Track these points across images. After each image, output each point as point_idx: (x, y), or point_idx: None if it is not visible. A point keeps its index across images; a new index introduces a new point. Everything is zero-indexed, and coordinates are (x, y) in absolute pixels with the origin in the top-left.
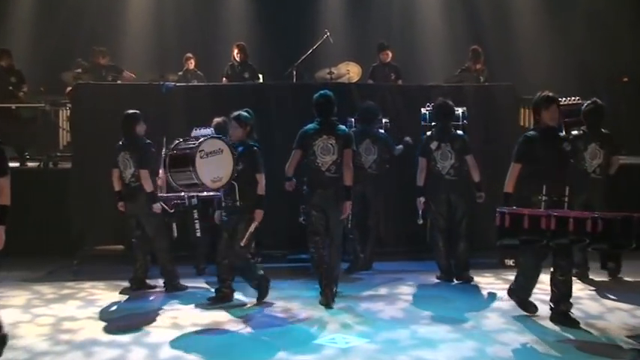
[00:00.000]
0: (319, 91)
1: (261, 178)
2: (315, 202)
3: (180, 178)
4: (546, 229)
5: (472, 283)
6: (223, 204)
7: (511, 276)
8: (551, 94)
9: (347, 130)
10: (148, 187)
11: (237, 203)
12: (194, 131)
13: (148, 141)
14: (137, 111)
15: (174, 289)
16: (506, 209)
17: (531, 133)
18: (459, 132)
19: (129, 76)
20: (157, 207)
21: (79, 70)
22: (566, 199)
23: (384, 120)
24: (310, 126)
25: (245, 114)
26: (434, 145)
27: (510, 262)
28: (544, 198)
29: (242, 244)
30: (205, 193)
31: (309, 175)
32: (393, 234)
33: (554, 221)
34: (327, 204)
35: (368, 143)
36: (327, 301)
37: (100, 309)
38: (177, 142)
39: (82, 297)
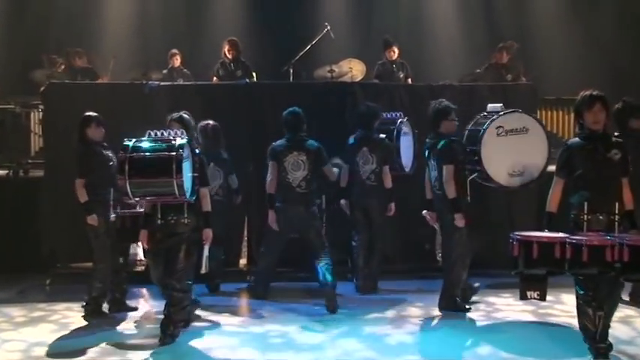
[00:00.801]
0: (289, 109)
1: (206, 193)
2: (285, 219)
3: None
4: (562, 259)
5: (487, 304)
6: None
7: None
8: (595, 92)
9: (317, 144)
10: (81, 197)
11: (185, 221)
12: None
13: (105, 144)
14: (92, 113)
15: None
16: (517, 235)
17: (572, 140)
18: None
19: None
20: (92, 219)
21: (60, 66)
22: (617, 217)
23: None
24: (279, 142)
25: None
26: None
27: (534, 295)
28: (586, 217)
29: (202, 271)
30: None
31: (280, 190)
32: (398, 250)
33: (571, 249)
34: (298, 220)
35: (365, 152)
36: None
37: (74, 334)
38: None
39: (55, 320)
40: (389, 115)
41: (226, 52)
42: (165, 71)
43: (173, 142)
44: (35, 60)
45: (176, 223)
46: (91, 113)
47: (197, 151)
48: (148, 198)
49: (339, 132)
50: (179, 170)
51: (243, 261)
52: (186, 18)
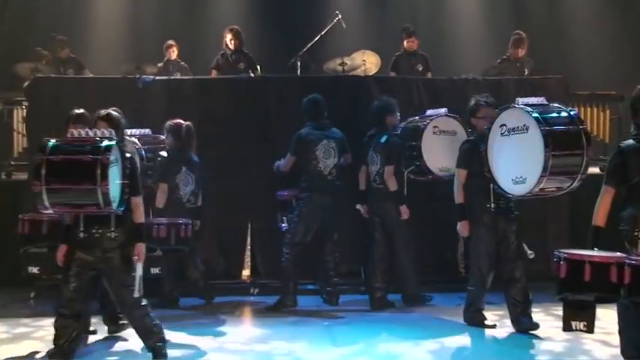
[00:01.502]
0: (309, 97)
1: (139, 202)
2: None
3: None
4: (618, 283)
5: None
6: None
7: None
8: None
9: (340, 131)
10: None
11: (112, 235)
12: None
13: None
14: (77, 111)
15: None
16: (564, 253)
17: (626, 143)
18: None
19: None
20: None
21: (46, 59)
22: None
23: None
24: (307, 130)
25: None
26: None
27: (580, 326)
28: None
29: (135, 294)
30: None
31: (309, 179)
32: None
33: (630, 272)
34: (325, 210)
35: (371, 151)
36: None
37: None
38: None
39: (41, 337)
40: (430, 112)
41: (228, 43)
42: (160, 64)
43: (99, 143)
44: (19, 52)
45: (101, 237)
46: (76, 110)
47: (128, 154)
48: (66, 208)
49: (351, 130)
50: (104, 176)
51: (246, 272)
52: (184, 6)
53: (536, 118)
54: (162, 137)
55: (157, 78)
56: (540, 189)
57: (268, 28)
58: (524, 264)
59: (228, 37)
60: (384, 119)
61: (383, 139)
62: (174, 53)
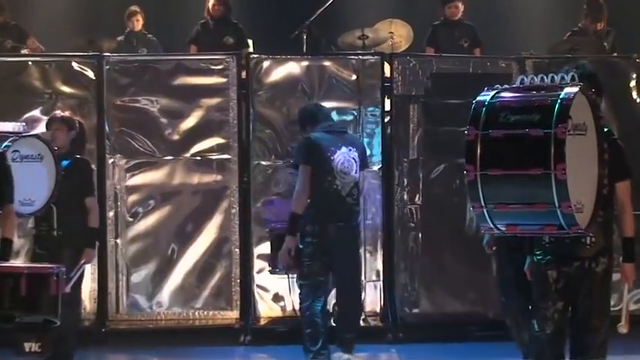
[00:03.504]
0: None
1: (94, 205)
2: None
3: None
4: None
5: None
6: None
7: None
8: None
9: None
10: None
11: (55, 233)
12: None
13: None
14: None
15: None
16: None
17: None
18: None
19: (35, 46)
20: None
21: None
22: None
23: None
24: (319, 134)
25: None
26: None
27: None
28: None
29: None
30: None
31: (321, 202)
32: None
33: None
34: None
35: None
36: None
37: None
38: None
39: None
40: None
41: (210, 9)
42: (121, 38)
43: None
44: None
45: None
46: None
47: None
48: None
49: None
50: None
51: (233, 314)
52: None
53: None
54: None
55: (118, 55)
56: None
57: None
58: None
59: (210, 2)
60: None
61: None
62: (138, 23)
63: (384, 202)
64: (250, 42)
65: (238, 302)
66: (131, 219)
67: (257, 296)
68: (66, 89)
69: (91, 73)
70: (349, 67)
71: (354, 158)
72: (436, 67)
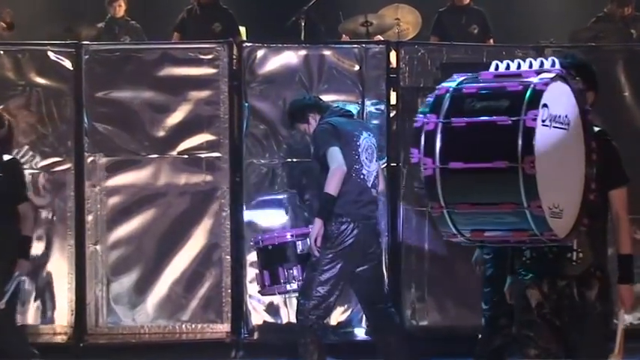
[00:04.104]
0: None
1: (28, 212)
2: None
3: None
4: None
5: None
6: None
7: None
8: None
9: None
10: None
11: None
12: None
13: None
14: None
15: None
16: None
17: None
18: None
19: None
20: None
21: None
22: None
23: None
24: (337, 119)
25: None
26: None
27: None
28: None
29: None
30: None
31: (348, 194)
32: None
33: None
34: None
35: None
36: None
37: None
38: None
39: None
40: None
41: None
42: (101, 25)
43: None
44: None
45: None
46: None
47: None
48: None
49: None
50: None
51: (224, 327)
52: None
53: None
54: None
55: (97, 44)
56: None
57: None
58: None
59: None
60: None
61: None
62: (121, 9)
63: (389, 203)
64: (242, 29)
65: (229, 314)
66: (112, 223)
67: (250, 307)
68: (41, 81)
69: (68, 64)
70: (351, 57)
71: (374, 144)
72: (446, 57)
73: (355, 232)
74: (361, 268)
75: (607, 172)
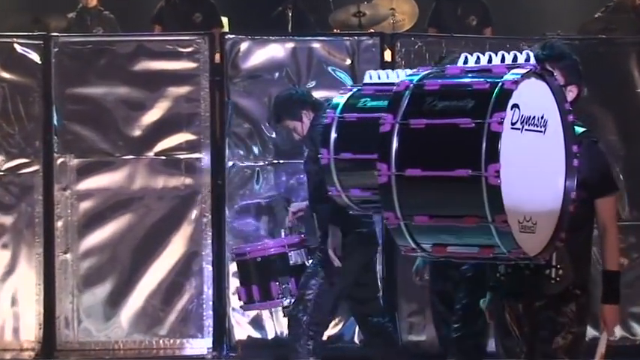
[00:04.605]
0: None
1: None
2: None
3: None
4: None
5: None
6: None
7: None
8: None
9: None
10: None
11: None
12: None
13: None
14: None
15: None
16: None
17: None
18: None
19: None
20: None
21: None
22: None
23: None
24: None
25: None
26: None
27: None
28: None
29: None
30: None
31: None
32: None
33: None
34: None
35: None
36: None
37: None
38: None
39: None
40: None
41: None
42: (72, 15)
43: None
44: None
45: None
46: None
47: None
48: None
49: None
50: None
51: (205, 342)
52: None
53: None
54: None
55: (67, 36)
56: None
57: None
58: None
59: None
60: None
61: None
62: None
63: None
64: (225, 20)
65: (211, 328)
66: (83, 230)
67: (233, 321)
68: (6, 75)
69: (36, 57)
70: (343, 50)
71: None
72: (446, 50)
73: (363, 243)
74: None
75: (593, 178)
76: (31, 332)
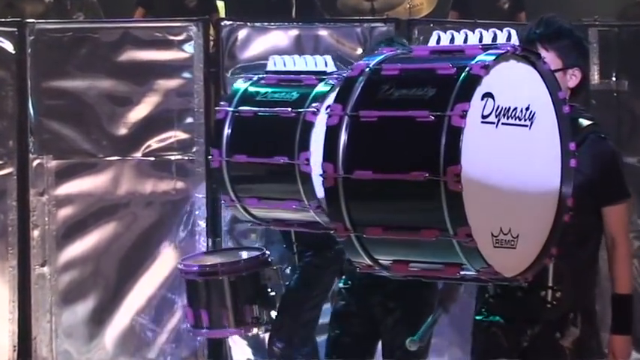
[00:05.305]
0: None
1: None
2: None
3: None
4: None
5: None
6: None
7: None
8: None
9: None
10: None
11: None
12: None
13: None
14: None
15: None
16: None
17: None
18: None
19: None
20: None
21: None
22: None
23: None
24: None
25: None
26: None
27: None
28: None
29: None
30: None
31: None
32: None
33: None
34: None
35: None
36: None
37: None
38: None
39: None
40: None
41: None
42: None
43: None
44: None
45: None
46: None
47: None
48: None
49: None
50: None
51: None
52: None
53: None
54: None
55: (45, 23)
56: None
57: None
58: None
59: None
60: None
61: None
62: None
63: None
64: (221, 4)
65: (205, 351)
66: (63, 240)
67: (230, 340)
68: None
69: (9, 46)
70: (353, 38)
71: None
72: None
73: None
74: None
75: (599, 181)
76: (4, 355)
